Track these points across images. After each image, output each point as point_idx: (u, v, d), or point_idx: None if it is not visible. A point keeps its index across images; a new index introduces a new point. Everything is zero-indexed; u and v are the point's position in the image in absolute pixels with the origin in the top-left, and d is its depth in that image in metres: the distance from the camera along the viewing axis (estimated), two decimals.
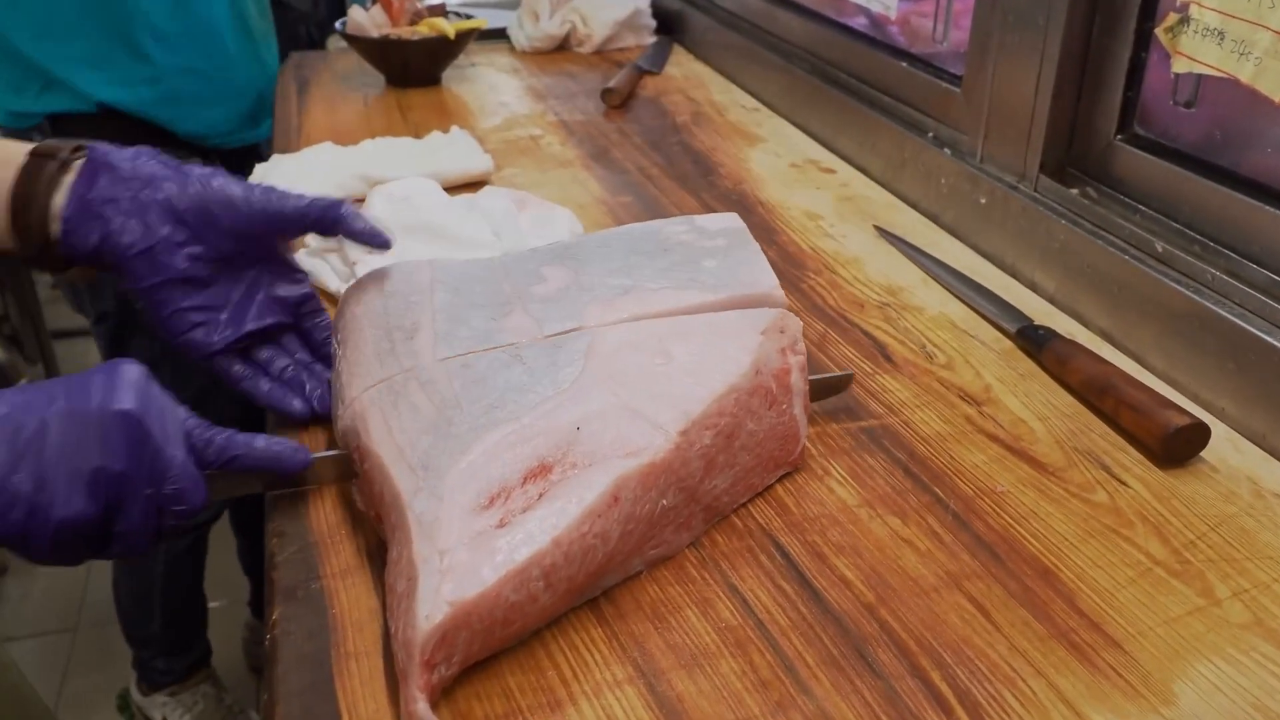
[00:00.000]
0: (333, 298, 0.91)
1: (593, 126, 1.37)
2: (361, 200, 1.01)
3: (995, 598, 0.58)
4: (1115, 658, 0.55)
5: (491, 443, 0.57)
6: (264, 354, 0.72)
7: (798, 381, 0.66)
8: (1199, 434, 0.70)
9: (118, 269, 0.66)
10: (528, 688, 0.52)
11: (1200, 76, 0.80)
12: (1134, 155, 0.88)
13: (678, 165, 1.23)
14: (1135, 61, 0.87)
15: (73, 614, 2.02)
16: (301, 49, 1.81)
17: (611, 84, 1.46)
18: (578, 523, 0.53)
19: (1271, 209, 0.75)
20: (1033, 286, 0.94)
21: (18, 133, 1.34)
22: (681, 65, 1.68)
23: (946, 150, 1.07)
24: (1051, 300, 0.92)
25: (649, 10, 1.79)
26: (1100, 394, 0.75)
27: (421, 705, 0.48)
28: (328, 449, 0.68)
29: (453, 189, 1.09)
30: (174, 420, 0.56)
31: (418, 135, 1.26)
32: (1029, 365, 0.82)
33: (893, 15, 1.22)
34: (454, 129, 1.26)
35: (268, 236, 0.69)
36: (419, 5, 1.56)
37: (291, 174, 1.10)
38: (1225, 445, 0.72)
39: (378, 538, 0.61)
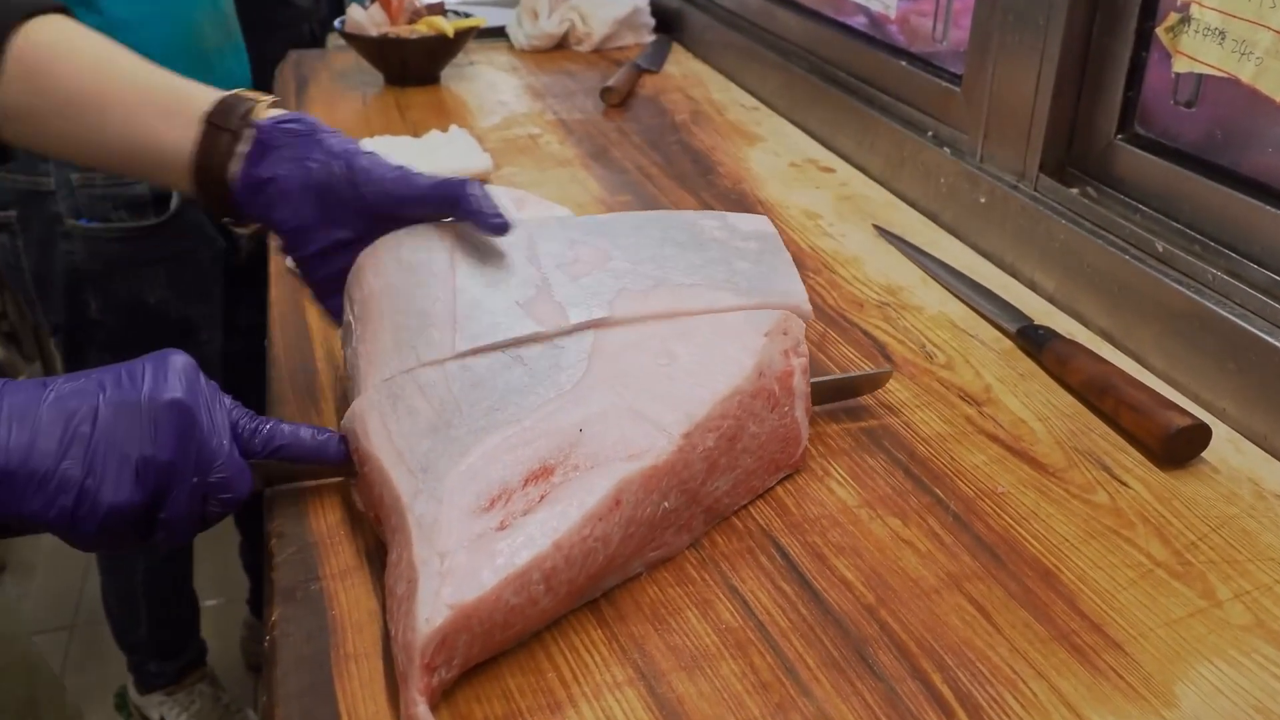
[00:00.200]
0: None
1: (591, 125, 1.37)
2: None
3: (996, 599, 0.58)
4: (1116, 659, 0.54)
5: (492, 445, 0.57)
6: None
7: (800, 384, 0.66)
8: (1200, 435, 0.70)
9: (278, 237, 0.72)
10: (528, 690, 0.52)
11: (1201, 76, 0.80)
12: (1134, 155, 0.87)
13: (677, 164, 1.23)
14: (1136, 61, 0.87)
15: (70, 612, 2.02)
16: (302, 47, 1.80)
17: (610, 83, 1.46)
18: (579, 526, 0.53)
19: (1272, 209, 0.75)
20: (1032, 286, 0.94)
21: None
22: (680, 64, 1.68)
23: (946, 149, 1.07)
24: (1051, 300, 0.92)
25: (648, 9, 1.79)
26: (1101, 394, 0.75)
27: (422, 708, 0.47)
28: None
29: None
30: (221, 410, 0.57)
31: (416, 134, 1.26)
32: (1029, 365, 0.82)
33: (892, 14, 1.22)
34: (453, 128, 1.25)
35: (399, 215, 0.71)
36: (417, 4, 1.55)
37: None
38: (1226, 446, 0.72)
39: (377, 538, 0.61)
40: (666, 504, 0.58)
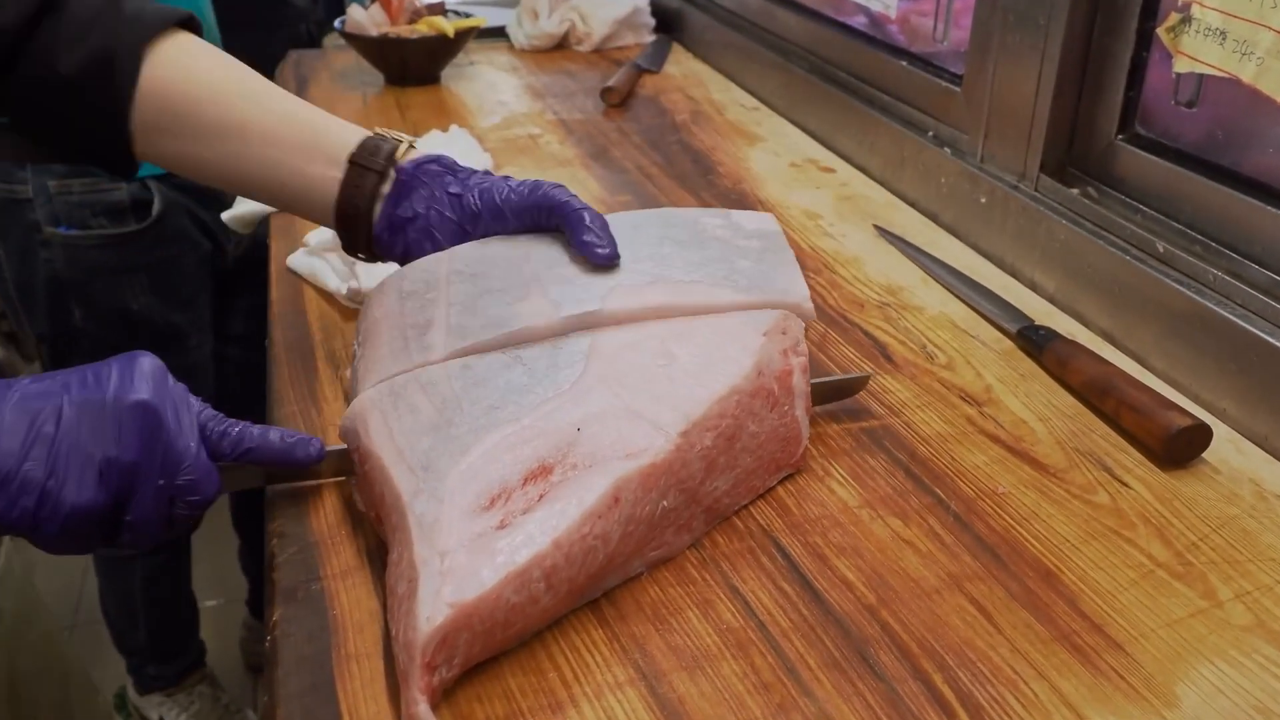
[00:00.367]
0: (329, 297, 0.91)
1: (592, 125, 1.37)
2: None
3: (997, 599, 0.58)
4: (1117, 660, 0.54)
5: (492, 444, 0.57)
6: None
7: (799, 383, 0.66)
8: (1201, 435, 0.70)
9: None
10: (529, 689, 0.52)
11: (1202, 76, 0.80)
12: (1135, 155, 0.87)
13: (677, 164, 1.23)
14: (1136, 61, 0.87)
15: (69, 611, 2.02)
16: (301, 47, 1.80)
17: (610, 83, 1.46)
18: (578, 524, 0.53)
19: (1273, 209, 0.75)
20: (1033, 286, 0.94)
21: None
22: (680, 64, 1.68)
23: (946, 149, 1.07)
24: (1052, 300, 0.92)
25: (648, 9, 1.79)
26: (1101, 395, 0.75)
27: (423, 707, 0.47)
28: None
29: None
30: (188, 412, 0.56)
31: (416, 134, 1.25)
32: (1030, 366, 0.82)
33: (893, 14, 1.22)
34: (453, 128, 1.25)
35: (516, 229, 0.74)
36: (418, 3, 1.55)
37: None
38: (1227, 446, 0.72)
39: (378, 538, 0.61)
40: (665, 503, 0.58)
